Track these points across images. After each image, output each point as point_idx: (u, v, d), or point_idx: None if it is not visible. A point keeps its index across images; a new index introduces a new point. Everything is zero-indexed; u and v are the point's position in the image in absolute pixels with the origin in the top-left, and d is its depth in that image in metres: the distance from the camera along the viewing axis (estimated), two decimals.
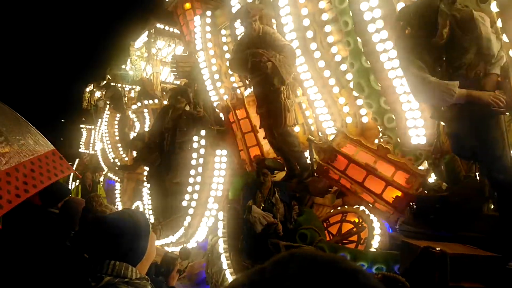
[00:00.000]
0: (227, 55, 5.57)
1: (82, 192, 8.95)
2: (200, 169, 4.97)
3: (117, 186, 8.69)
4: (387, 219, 3.50)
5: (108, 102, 8.04)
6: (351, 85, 3.78)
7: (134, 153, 8.28)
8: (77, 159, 13.86)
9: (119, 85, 9.35)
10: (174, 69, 6.41)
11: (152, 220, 6.47)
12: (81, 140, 14.38)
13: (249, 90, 5.38)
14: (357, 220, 4.07)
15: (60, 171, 2.52)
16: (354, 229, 4.03)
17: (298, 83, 4.05)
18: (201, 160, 4.97)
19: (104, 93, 7.91)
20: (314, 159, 3.96)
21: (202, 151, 4.98)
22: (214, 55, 5.50)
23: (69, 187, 10.09)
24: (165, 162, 5.96)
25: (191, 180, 5.07)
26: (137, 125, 8.26)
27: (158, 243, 5.88)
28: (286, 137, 4.05)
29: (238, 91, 5.01)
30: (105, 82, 8.37)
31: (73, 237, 2.67)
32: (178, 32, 7.52)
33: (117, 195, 8.65)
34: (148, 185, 6.96)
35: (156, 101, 7.92)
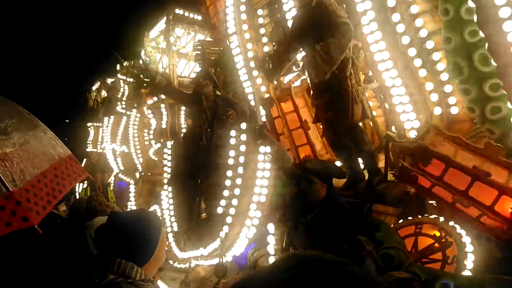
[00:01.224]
0: (265, 39, 4.82)
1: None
2: (240, 170, 4.21)
3: (131, 188, 7.96)
4: (496, 236, 2.75)
5: (143, 90, 7.08)
6: (439, 66, 3.02)
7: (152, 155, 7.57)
8: (85, 159, 13.19)
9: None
10: (198, 57, 5.65)
11: (175, 228, 5.73)
12: (89, 139, 13.71)
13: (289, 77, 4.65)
14: (437, 234, 3.33)
15: (78, 175, 2.46)
16: (436, 244, 3.28)
17: (368, 66, 3.29)
18: (241, 159, 4.21)
19: (132, 80, 7.13)
20: (389, 161, 3.20)
21: (242, 148, 4.21)
22: (250, 39, 4.73)
23: (76, 189, 9.43)
24: (197, 161, 5.20)
25: (228, 182, 4.32)
26: (153, 122, 7.53)
27: (184, 255, 5.14)
28: (354, 133, 3.29)
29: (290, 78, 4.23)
30: (129, 67, 7.57)
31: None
32: (199, 18, 6.76)
33: (131, 198, 7.92)
34: (169, 188, 6.17)
35: None
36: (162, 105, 7.17)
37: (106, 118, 9.66)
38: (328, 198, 2.86)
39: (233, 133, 4.46)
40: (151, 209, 7.52)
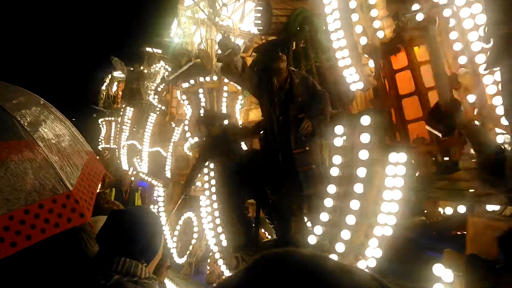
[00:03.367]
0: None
1: (115, 198, 6.93)
2: (358, 188, 2.81)
3: (160, 191, 6.60)
4: None
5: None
6: None
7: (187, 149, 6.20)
8: (97, 157, 11.89)
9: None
10: (259, 20, 4.28)
11: (224, 243, 4.40)
12: (101, 136, 12.48)
13: None
14: None
15: (100, 172, 2.31)
16: None
17: None
18: (360, 172, 2.82)
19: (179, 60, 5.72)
20: None
21: (363, 154, 2.83)
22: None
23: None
24: (259, 162, 3.84)
25: (329, 203, 2.96)
26: (188, 109, 6.14)
27: None
28: None
29: None
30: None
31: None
32: None
33: (160, 203, 6.56)
34: (215, 194, 4.76)
35: (215, 78, 5.79)
36: (200, 90, 5.80)
37: (128, 110, 8.31)
38: None
39: (338, 130, 3.07)
40: (185, 216, 6.22)
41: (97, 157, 8.70)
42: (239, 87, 5.45)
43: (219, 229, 4.47)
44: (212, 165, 4.58)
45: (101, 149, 12.27)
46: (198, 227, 5.88)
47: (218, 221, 4.51)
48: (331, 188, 3.05)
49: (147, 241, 1.50)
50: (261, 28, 4.40)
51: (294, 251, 0.56)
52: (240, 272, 0.55)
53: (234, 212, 4.42)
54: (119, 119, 8.90)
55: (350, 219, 2.86)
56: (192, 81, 5.76)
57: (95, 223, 2.41)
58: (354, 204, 2.84)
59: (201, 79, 5.75)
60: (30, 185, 1.56)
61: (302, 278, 0.48)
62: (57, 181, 1.66)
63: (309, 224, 3.70)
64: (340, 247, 2.89)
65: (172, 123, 7.26)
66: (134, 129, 8.15)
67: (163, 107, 7.68)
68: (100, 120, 12.91)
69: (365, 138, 2.84)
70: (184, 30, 5.85)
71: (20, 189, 1.52)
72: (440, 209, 3.36)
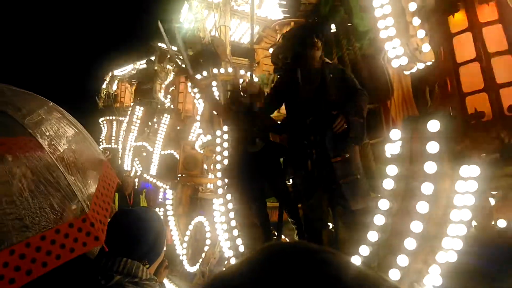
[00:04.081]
0: None
1: (120, 203, 6.45)
2: (422, 208, 2.31)
3: (169, 193, 6.10)
4: None
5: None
6: None
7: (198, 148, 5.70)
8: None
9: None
10: (286, 0, 3.80)
11: (241, 248, 3.94)
12: (102, 136, 12.01)
13: None
14: None
15: (113, 182, 2.08)
16: None
17: None
18: (425, 188, 2.30)
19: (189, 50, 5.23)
20: None
21: (429, 167, 2.32)
22: None
23: None
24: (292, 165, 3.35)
25: (380, 220, 2.47)
26: (199, 104, 5.64)
27: None
28: None
29: None
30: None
31: None
32: None
33: (169, 207, 6.06)
34: (227, 194, 4.28)
35: (230, 70, 5.30)
36: (214, 82, 5.31)
37: (138, 109, 7.82)
38: None
39: (395, 134, 2.57)
40: (196, 221, 5.73)
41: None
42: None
43: (235, 232, 4.00)
44: (226, 153, 4.09)
45: (102, 150, 11.77)
46: (210, 233, 5.39)
47: (233, 223, 4.03)
48: (384, 204, 2.57)
49: (152, 242, 1.48)
50: (288, 9, 3.94)
51: (301, 243, 0.56)
52: (243, 261, 0.53)
53: (252, 209, 4.00)
54: (127, 118, 8.39)
55: (410, 243, 2.37)
56: (205, 73, 5.26)
57: None
58: (416, 226, 2.35)
59: (215, 70, 5.26)
60: (48, 209, 1.49)
61: (305, 270, 0.47)
62: (75, 205, 1.59)
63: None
64: (394, 274, 2.40)
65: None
66: (147, 130, 7.65)
67: (171, 106, 7.22)
68: (101, 120, 12.44)
69: (433, 147, 2.35)
70: (195, 15, 5.35)
71: (40, 213, 1.46)
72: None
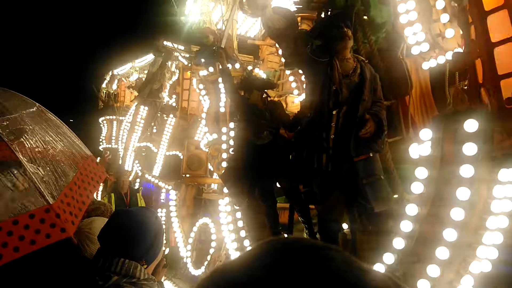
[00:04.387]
0: None
1: (117, 204, 6.23)
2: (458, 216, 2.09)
3: (172, 194, 5.89)
4: None
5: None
6: None
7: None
8: (98, 158, 11.26)
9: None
10: None
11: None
12: (102, 135, 11.81)
13: None
14: None
15: (99, 177, 2.27)
16: None
17: None
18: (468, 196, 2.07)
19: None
20: None
21: (467, 169, 2.10)
22: None
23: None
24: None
25: (408, 226, 2.26)
26: (205, 101, 5.44)
27: None
28: None
29: None
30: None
31: None
32: None
33: (172, 208, 5.86)
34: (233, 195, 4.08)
35: (237, 65, 5.10)
36: (220, 78, 5.11)
37: (142, 108, 7.61)
38: None
39: (425, 134, 2.35)
40: (200, 222, 5.55)
41: (98, 159, 8.12)
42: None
43: (242, 233, 3.81)
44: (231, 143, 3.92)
45: (102, 150, 11.56)
46: (216, 235, 5.20)
47: (240, 223, 3.85)
48: (411, 209, 2.38)
49: (150, 243, 1.47)
50: (300, 1, 3.74)
51: (303, 239, 0.56)
52: (245, 256, 0.52)
53: (262, 209, 3.85)
54: (130, 118, 8.18)
55: (442, 252, 2.18)
56: (211, 69, 5.07)
57: (91, 224, 2.41)
58: (450, 234, 2.15)
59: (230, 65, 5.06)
60: (4, 200, 1.46)
61: (309, 266, 0.47)
62: (35, 194, 1.56)
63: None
64: (423, 284, 2.21)
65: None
66: (154, 130, 7.44)
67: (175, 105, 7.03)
68: (100, 119, 12.22)
69: (470, 149, 2.15)
70: (201, 8, 5.15)
71: None
72: None
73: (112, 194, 6.62)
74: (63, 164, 1.95)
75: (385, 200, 2.75)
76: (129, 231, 1.44)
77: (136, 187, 7.63)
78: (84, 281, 1.42)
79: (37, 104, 2.27)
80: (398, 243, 2.46)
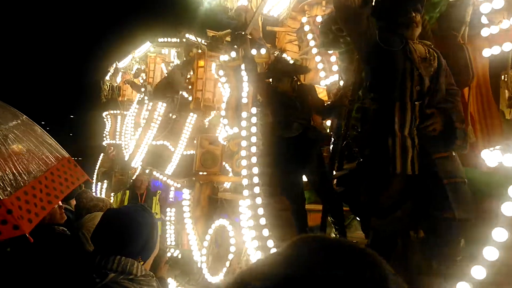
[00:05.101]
0: None
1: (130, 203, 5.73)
2: None
3: (186, 194, 5.36)
4: None
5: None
6: None
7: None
8: (102, 154, 10.81)
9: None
10: None
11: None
12: (105, 131, 11.33)
13: None
14: None
15: (76, 179, 2.33)
16: None
17: None
18: None
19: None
20: None
21: None
22: None
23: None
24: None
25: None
26: (225, 89, 4.91)
27: None
28: None
29: None
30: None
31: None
32: None
33: (186, 209, 5.33)
34: (258, 195, 3.56)
35: (263, 51, 4.57)
36: (243, 65, 4.58)
37: (160, 105, 7.10)
38: None
39: None
40: (216, 224, 5.04)
41: (102, 155, 7.81)
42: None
43: (265, 232, 3.31)
44: (254, 139, 3.46)
45: (106, 145, 11.07)
46: (235, 238, 4.69)
47: (263, 220, 3.35)
48: (499, 233, 1.90)
49: (144, 240, 1.48)
50: None
51: (342, 239, 0.58)
52: (275, 257, 0.51)
53: (291, 209, 3.61)
54: (146, 114, 7.66)
55: None
56: (233, 54, 4.54)
57: (93, 220, 2.30)
58: None
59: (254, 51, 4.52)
60: None
61: (358, 269, 0.46)
62: None
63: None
64: None
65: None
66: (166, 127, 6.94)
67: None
68: (104, 114, 11.71)
69: None
70: None
71: None
72: None
73: (127, 192, 6.18)
74: (27, 161, 1.94)
75: (468, 206, 2.25)
76: (123, 228, 1.44)
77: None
78: (81, 279, 1.42)
79: (7, 104, 2.29)
80: (490, 254, 1.96)
